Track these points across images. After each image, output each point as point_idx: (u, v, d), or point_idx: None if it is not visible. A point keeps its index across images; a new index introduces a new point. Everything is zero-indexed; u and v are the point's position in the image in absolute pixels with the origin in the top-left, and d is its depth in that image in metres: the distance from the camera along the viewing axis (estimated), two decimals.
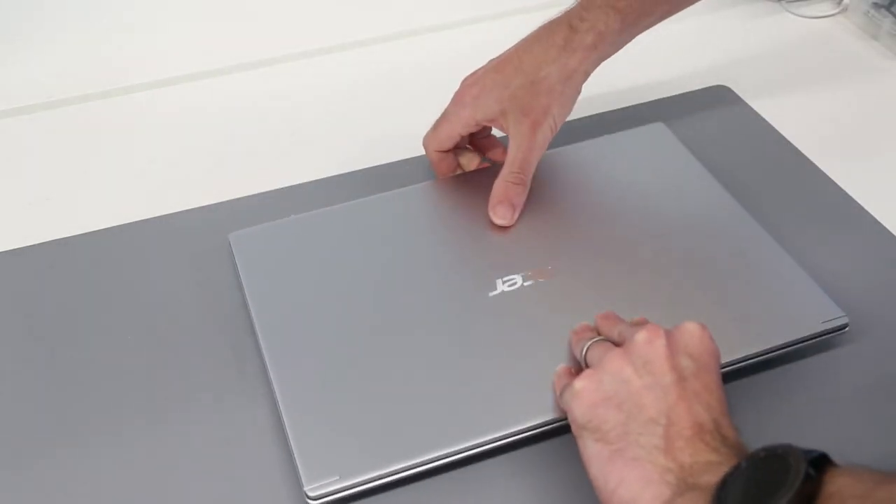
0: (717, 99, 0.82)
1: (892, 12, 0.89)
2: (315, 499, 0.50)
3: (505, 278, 0.61)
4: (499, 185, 0.65)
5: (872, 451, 0.54)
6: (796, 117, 0.80)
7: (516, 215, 0.65)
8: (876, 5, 0.90)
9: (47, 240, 0.68)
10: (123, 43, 0.91)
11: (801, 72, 0.88)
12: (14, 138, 0.80)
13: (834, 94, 0.85)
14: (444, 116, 0.68)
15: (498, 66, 0.67)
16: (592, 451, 0.47)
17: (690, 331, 0.49)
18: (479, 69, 0.68)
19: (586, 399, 0.48)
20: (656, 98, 0.82)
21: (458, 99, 0.67)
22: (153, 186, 0.74)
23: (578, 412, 0.48)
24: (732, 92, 0.83)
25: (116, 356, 0.60)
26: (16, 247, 0.67)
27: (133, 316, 0.62)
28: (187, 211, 0.70)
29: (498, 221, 0.65)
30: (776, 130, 0.78)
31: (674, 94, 0.82)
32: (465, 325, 0.58)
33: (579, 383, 0.49)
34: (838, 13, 0.94)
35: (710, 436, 0.45)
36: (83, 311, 0.63)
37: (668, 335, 0.49)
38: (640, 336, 0.49)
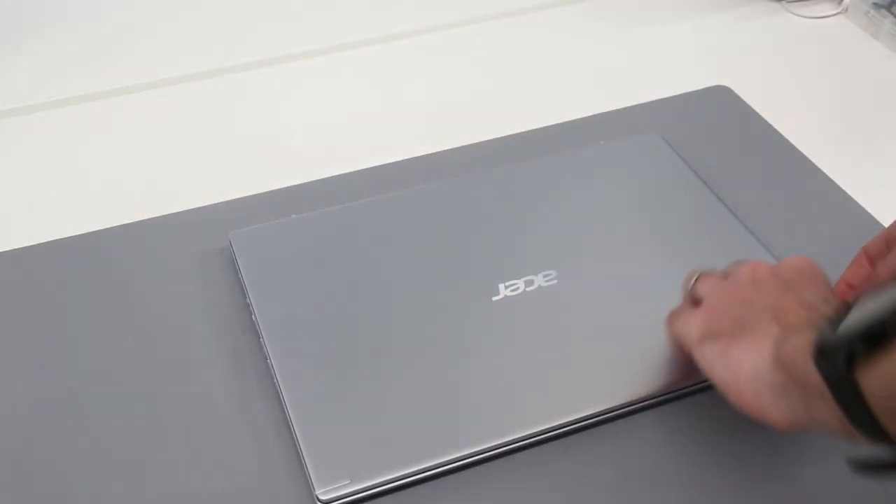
0: (717, 99, 0.82)
1: (892, 12, 0.89)
2: (326, 503, 0.50)
3: (507, 283, 0.61)
4: None
5: None
6: (796, 117, 0.80)
7: None
8: (876, 5, 0.91)
9: (47, 240, 0.68)
10: (123, 43, 0.91)
11: (801, 72, 0.88)
12: (14, 138, 0.80)
13: (834, 95, 0.85)
14: None
15: None
16: (712, 352, 0.49)
17: (788, 259, 0.52)
18: None
19: (702, 318, 0.51)
20: (656, 98, 0.82)
21: None
22: (153, 186, 0.74)
23: (696, 329, 0.51)
24: (732, 92, 0.83)
25: (117, 357, 0.59)
26: (16, 247, 0.67)
27: (133, 316, 0.62)
28: (187, 211, 0.70)
29: None
30: (776, 130, 0.78)
31: (674, 94, 0.82)
32: (469, 330, 0.59)
33: (695, 313, 0.52)
34: (839, 13, 0.94)
35: (820, 310, 0.46)
36: (83, 312, 0.62)
37: (770, 265, 0.52)
38: (744, 268, 0.52)
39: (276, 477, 0.53)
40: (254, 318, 0.60)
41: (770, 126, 0.79)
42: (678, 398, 0.57)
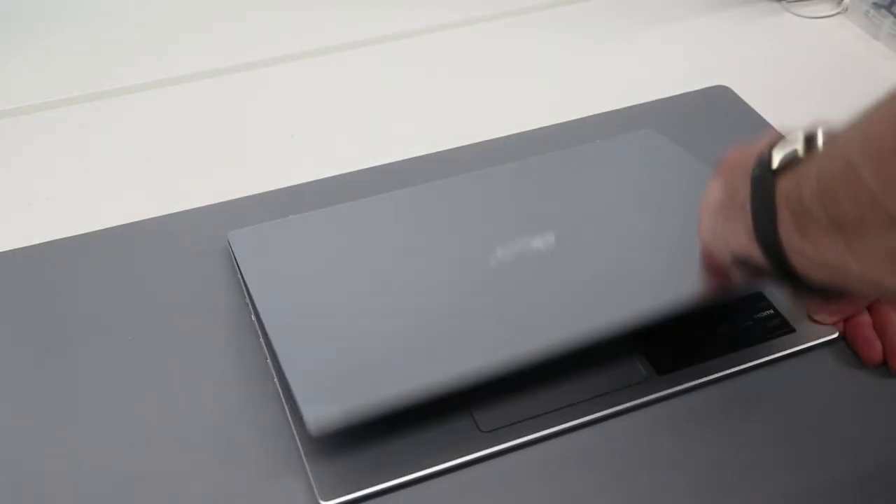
0: (717, 99, 0.82)
1: (892, 12, 0.89)
2: None
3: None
4: None
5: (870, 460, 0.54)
6: (796, 118, 0.80)
7: None
8: (876, 5, 0.91)
9: (47, 240, 0.68)
10: (123, 43, 0.91)
11: (801, 72, 0.88)
12: (14, 138, 0.80)
13: (834, 95, 0.85)
14: None
15: None
16: (705, 194, 0.52)
17: None
18: None
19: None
20: (656, 98, 0.82)
21: None
22: (153, 186, 0.74)
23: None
24: (732, 92, 0.83)
25: (116, 357, 0.60)
26: (16, 247, 0.67)
27: (132, 316, 0.62)
28: (187, 211, 0.70)
29: None
30: (776, 130, 0.78)
31: (674, 94, 0.82)
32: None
33: None
34: (838, 13, 0.94)
35: None
36: (82, 312, 0.62)
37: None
38: None
39: (276, 479, 0.53)
40: (254, 318, 0.60)
41: (770, 126, 0.79)
42: (677, 396, 0.57)
